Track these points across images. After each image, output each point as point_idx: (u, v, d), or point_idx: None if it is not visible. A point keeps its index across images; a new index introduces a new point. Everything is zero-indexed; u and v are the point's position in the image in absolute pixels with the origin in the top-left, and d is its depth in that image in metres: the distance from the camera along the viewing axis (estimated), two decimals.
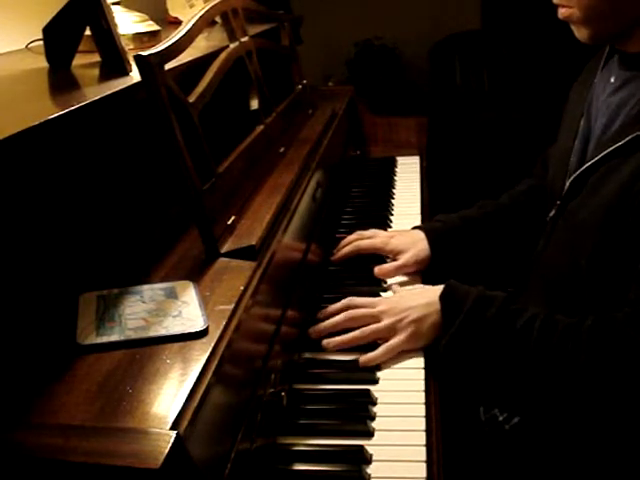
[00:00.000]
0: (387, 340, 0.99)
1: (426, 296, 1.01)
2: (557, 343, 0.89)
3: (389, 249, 1.24)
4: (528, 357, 0.91)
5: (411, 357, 0.99)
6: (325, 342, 1.00)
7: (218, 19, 1.21)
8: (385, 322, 1.00)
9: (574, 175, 1.04)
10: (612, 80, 1.03)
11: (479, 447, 1.12)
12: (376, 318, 1.01)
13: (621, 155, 0.95)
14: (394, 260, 1.23)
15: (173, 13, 1.71)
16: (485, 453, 1.11)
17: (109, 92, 0.83)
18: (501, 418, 1.11)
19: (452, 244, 1.26)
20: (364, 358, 0.97)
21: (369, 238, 1.28)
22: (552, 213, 1.12)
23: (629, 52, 1.00)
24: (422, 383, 0.94)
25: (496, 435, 1.11)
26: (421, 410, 0.89)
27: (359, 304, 1.04)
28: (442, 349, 0.97)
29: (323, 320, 1.04)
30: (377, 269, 1.19)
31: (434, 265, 1.23)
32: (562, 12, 1.00)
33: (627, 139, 0.94)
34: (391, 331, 0.99)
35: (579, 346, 0.88)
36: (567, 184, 1.06)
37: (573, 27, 1.01)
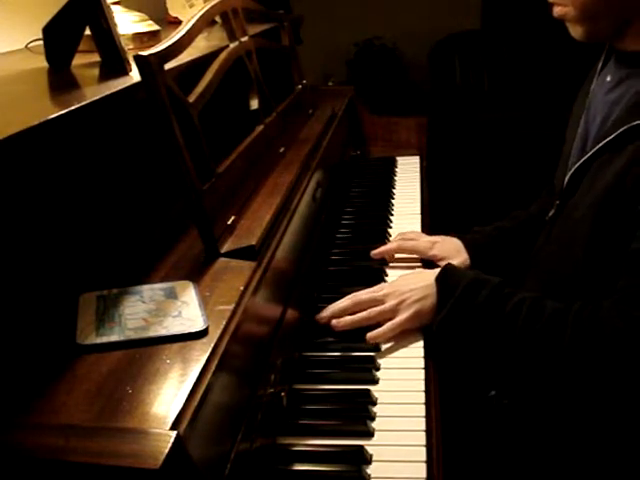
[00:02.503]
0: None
1: (425, 279, 1.05)
2: (543, 326, 0.92)
3: (431, 254, 1.26)
4: (516, 339, 0.93)
5: (411, 357, 0.99)
6: (335, 321, 1.04)
7: (218, 19, 1.21)
8: (389, 304, 1.04)
9: (570, 172, 1.05)
10: (609, 79, 1.04)
11: (479, 447, 1.12)
12: (381, 301, 1.05)
13: (613, 149, 0.96)
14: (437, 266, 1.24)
15: (173, 13, 1.71)
16: (485, 453, 1.11)
17: (109, 92, 0.83)
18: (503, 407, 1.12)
19: (490, 255, 1.28)
20: (370, 334, 1.01)
21: (411, 240, 1.29)
22: (551, 212, 1.13)
23: (624, 50, 1.01)
24: (422, 383, 0.94)
25: (496, 435, 1.11)
26: (421, 410, 0.89)
27: (364, 293, 1.07)
28: (435, 329, 1.01)
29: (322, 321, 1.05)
30: None
31: None
32: (557, 10, 1.01)
33: (618, 132, 0.95)
34: (395, 312, 1.03)
35: (564, 329, 0.90)
36: (565, 181, 1.07)
37: (568, 25, 1.02)
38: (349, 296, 1.07)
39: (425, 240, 1.30)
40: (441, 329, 1.00)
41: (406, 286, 1.05)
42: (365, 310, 1.04)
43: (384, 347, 1.02)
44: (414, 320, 1.02)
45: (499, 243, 1.29)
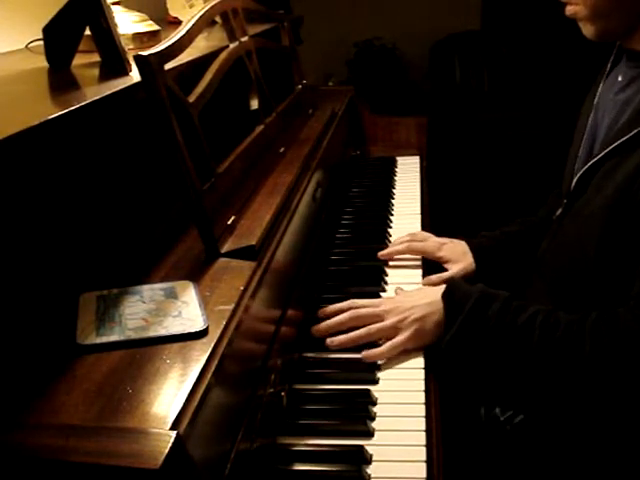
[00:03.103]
0: (390, 339, 0.99)
1: (428, 295, 1.02)
2: (560, 339, 0.90)
3: (438, 256, 1.26)
4: (531, 354, 0.91)
5: (411, 357, 0.99)
6: (329, 340, 1.00)
7: (218, 19, 1.21)
8: (389, 321, 1.00)
9: (580, 173, 1.04)
10: (620, 79, 1.04)
11: (479, 447, 1.12)
12: (380, 317, 1.01)
13: (625, 151, 0.95)
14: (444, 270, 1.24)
15: (173, 13, 1.71)
16: (485, 453, 1.11)
17: (109, 92, 0.83)
18: (502, 418, 1.11)
19: (496, 258, 1.27)
20: (367, 353, 0.97)
21: (421, 241, 1.29)
22: (559, 212, 1.12)
23: (635, 50, 1.01)
24: (422, 383, 0.94)
25: (497, 435, 1.11)
26: (421, 410, 0.89)
27: (362, 305, 1.04)
28: (444, 347, 0.97)
29: (324, 319, 1.04)
30: (425, 280, 1.21)
31: (476, 279, 1.23)
32: (568, 9, 1.01)
33: (631, 134, 0.94)
34: (395, 330, 0.99)
35: (582, 341, 0.88)
36: (573, 182, 1.07)
37: (580, 24, 1.02)
38: (347, 306, 1.03)
39: (433, 241, 1.29)
40: (450, 346, 0.96)
41: (408, 302, 1.02)
42: (363, 326, 1.00)
43: None
44: (415, 340, 0.98)
45: (506, 247, 1.28)
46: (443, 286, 1.02)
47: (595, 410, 0.94)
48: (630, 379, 0.88)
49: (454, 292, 1.00)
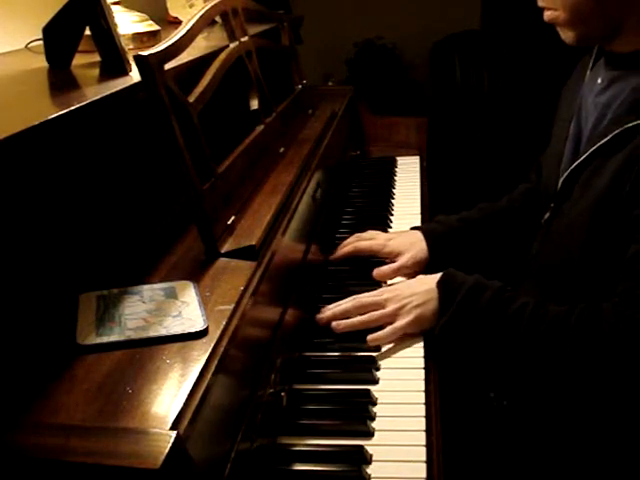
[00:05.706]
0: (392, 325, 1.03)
1: (427, 283, 1.05)
2: (545, 330, 0.92)
3: (386, 252, 1.25)
4: (518, 344, 0.94)
5: (411, 357, 1.00)
6: (335, 323, 1.03)
7: (218, 19, 1.21)
8: (390, 308, 1.03)
9: (565, 175, 1.05)
10: (599, 81, 1.04)
11: (479, 447, 1.12)
12: (382, 305, 1.04)
13: (608, 152, 0.96)
14: (393, 262, 1.23)
15: (173, 13, 1.71)
16: (484, 453, 1.11)
17: (109, 92, 0.83)
18: (497, 403, 1.13)
19: (450, 245, 1.27)
20: (371, 336, 1.01)
21: (368, 240, 1.28)
22: (546, 216, 1.13)
23: (615, 52, 1.01)
24: (422, 383, 0.94)
25: (496, 432, 1.11)
26: (421, 410, 0.89)
27: (365, 296, 1.07)
28: (437, 334, 1.01)
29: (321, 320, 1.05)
30: (375, 272, 1.20)
31: (433, 266, 1.23)
32: (547, 15, 1.01)
33: (612, 135, 0.95)
34: (395, 316, 1.03)
35: (566, 333, 0.90)
36: (559, 185, 1.07)
37: (559, 29, 1.02)
38: (350, 298, 1.07)
39: (380, 238, 1.28)
40: (443, 333, 1.00)
41: (408, 290, 1.05)
42: (366, 313, 1.04)
43: (385, 347, 1.02)
44: (414, 325, 1.02)
45: (460, 234, 1.28)
46: (440, 274, 1.05)
47: (581, 399, 0.97)
48: (611, 371, 0.89)
49: (448, 281, 1.03)
